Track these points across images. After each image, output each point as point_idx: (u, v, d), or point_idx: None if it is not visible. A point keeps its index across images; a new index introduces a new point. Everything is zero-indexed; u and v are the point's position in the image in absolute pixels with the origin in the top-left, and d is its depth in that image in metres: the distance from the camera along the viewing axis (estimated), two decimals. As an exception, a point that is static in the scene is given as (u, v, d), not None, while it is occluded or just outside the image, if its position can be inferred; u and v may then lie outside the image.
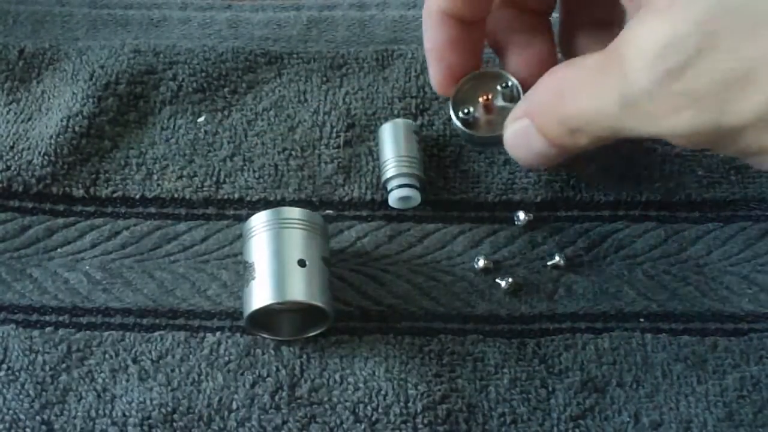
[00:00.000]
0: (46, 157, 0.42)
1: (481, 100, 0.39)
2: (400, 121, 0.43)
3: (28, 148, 0.43)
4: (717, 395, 0.37)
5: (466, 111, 0.39)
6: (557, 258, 0.40)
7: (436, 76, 0.40)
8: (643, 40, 0.29)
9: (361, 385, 0.37)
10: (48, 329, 0.38)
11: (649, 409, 0.37)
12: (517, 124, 0.36)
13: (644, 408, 0.37)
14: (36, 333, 0.38)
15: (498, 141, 0.38)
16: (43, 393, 0.36)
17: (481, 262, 0.40)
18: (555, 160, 0.36)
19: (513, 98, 0.39)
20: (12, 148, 0.43)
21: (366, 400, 0.36)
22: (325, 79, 0.46)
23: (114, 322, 0.39)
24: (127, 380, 0.37)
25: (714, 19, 0.28)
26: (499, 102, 0.40)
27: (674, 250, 0.41)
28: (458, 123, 0.40)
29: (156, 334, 0.38)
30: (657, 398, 0.37)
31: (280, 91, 0.45)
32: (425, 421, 0.36)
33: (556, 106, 0.34)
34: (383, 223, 0.42)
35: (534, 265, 0.40)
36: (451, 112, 0.40)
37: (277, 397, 0.36)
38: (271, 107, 0.45)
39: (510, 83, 0.39)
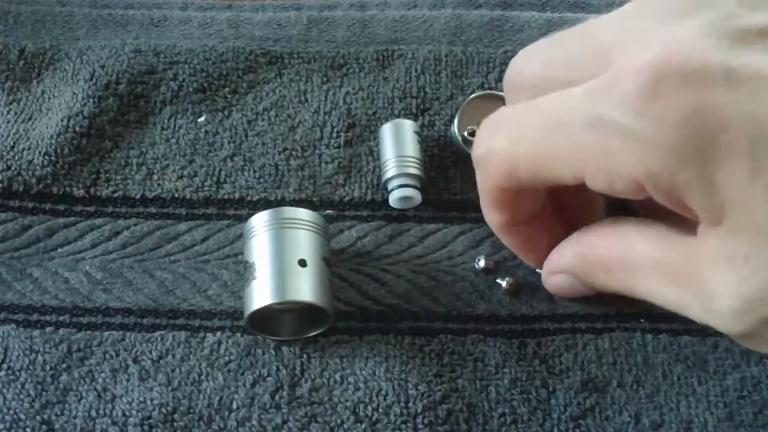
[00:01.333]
0: (46, 157, 0.42)
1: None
2: (400, 121, 0.43)
3: (29, 148, 0.43)
4: (717, 396, 0.37)
5: (470, 132, 0.42)
6: None
7: (530, 261, 0.39)
8: (727, 290, 0.28)
9: (361, 385, 0.37)
10: (48, 329, 0.38)
11: (649, 410, 0.37)
12: (559, 278, 0.37)
13: (645, 408, 0.37)
14: (36, 333, 0.38)
15: None
16: (44, 393, 0.36)
17: (482, 262, 0.40)
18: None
19: None
20: (12, 147, 0.43)
21: (366, 400, 0.36)
22: (325, 79, 0.46)
23: (114, 321, 0.39)
24: (128, 380, 0.37)
25: None
26: None
27: (675, 251, 0.41)
28: (460, 141, 0.42)
29: (156, 334, 0.38)
30: (657, 398, 0.37)
31: (280, 91, 0.45)
32: (425, 422, 0.36)
33: (613, 278, 0.33)
34: (384, 223, 0.42)
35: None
36: (455, 129, 0.42)
37: (277, 397, 0.36)
38: (271, 107, 0.45)
39: None
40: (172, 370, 0.37)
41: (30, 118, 0.44)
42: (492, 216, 0.37)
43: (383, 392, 0.37)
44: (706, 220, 0.29)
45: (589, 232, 0.35)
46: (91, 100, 0.44)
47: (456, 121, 0.42)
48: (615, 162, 0.29)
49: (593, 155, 0.30)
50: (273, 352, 0.38)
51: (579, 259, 0.36)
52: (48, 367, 0.37)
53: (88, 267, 0.40)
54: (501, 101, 0.42)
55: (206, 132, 0.44)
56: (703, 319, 0.30)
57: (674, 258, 0.31)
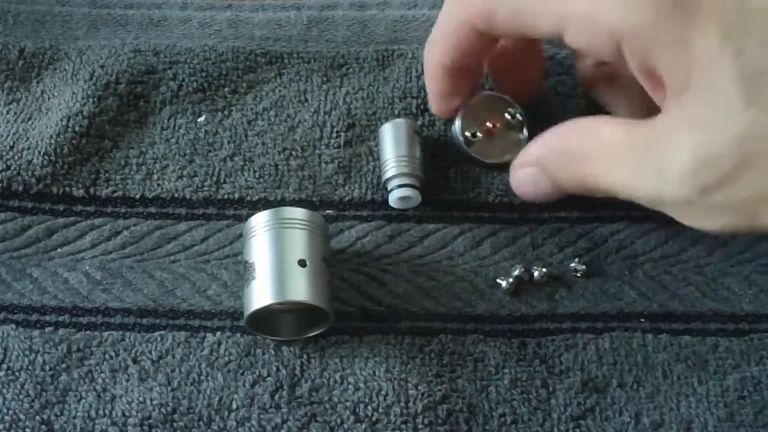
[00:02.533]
0: (46, 157, 0.42)
1: (489, 124, 0.42)
2: (400, 120, 0.43)
3: (28, 148, 0.43)
4: (718, 396, 0.37)
5: (472, 133, 0.42)
6: (576, 262, 0.40)
7: (442, 112, 0.43)
8: (681, 151, 0.30)
9: (361, 385, 0.37)
10: (48, 329, 0.38)
11: (649, 410, 0.37)
12: (527, 171, 0.38)
13: (645, 408, 0.37)
14: (36, 333, 0.38)
15: (493, 167, 0.42)
16: (43, 393, 0.36)
17: (516, 272, 0.40)
18: (559, 198, 0.39)
19: (515, 128, 0.42)
20: (12, 147, 0.43)
21: (366, 400, 0.36)
22: (325, 78, 0.46)
23: (114, 322, 0.39)
24: (127, 380, 0.37)
25: (750, 141, 0.29)
26: (503, 129, 0.42)
27: (675, 251, 0.41)
28: (462, 142, 0.42)
29: (156, 334, 0.38)
30: (658, 398, 0.37)
31: (280, 90, 0.45)
32: (426, 422, 0.36)
33: (576, 167, 0.35)
34: (383, 223, 0.42)
35: (535, 266, 0.40)
36: (457, 130, 0.42)
37: (277, 397, 0.36)
38: (271, 107, 0.45)
39: (518, 116, 0.42)
40: (172, 371, 0.37)
41: (29, 118, 0.44)
42: (439, 54, 0.38)
43: (383, 392, 0.37)
44: (672, 87, 0.30)
45: (562, 126, 0.37)
46: (90, 99, 0.44)
47: (458, 122, 0.42)
48: (598, 16, 0.31)
49: (578, 8, 0.32)
50: (273, 352, 0.38)
51: (548, 150, 0.37)
52: (47, 368, 0.37)
53: (87, 267, 0.40)
54: (502, 102, 0.42)
55: (206, 132, 0.44)
56: (653, 195, 0.31)
57: (635, 137, 0.32)
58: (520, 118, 0.42)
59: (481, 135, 0.42)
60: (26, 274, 0.40)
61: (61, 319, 0.39)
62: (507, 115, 0.42)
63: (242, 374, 0.37)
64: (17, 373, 0.37)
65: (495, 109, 0.42)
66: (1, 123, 0.44)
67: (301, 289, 0.36)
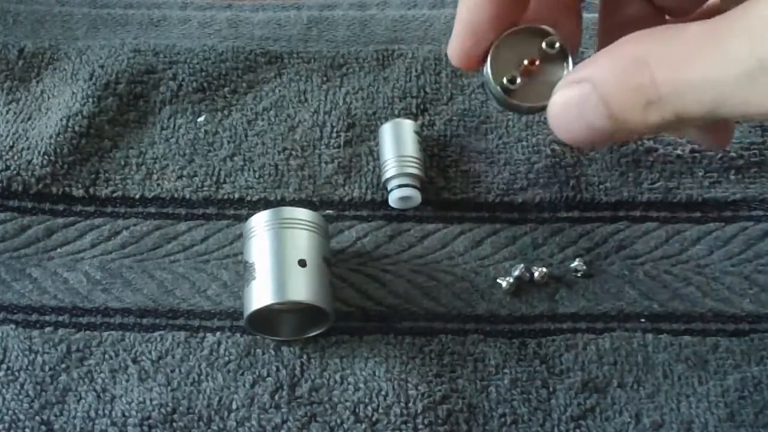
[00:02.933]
0: (45, 157, 0.42)
1: (526, 62, 0.33)
2: (400, 120, 0.43)
3: (28, 148, 0.43)
4: (718, 396, 0.37)
5: (509, 78, 0.33)
6: (577, 262, 0.40)
7: (462, 52, 0.35)
8: None
9: (361, 385, 0.37)
10: (48, 329, 0.38)
11: (650, 410, 0.36)
12: (573, 90, 0.31)
13: (645, 408, 0.37)
14: (35, 333, 0.38)
15: (540, 111, 0.33)
16: (43, 393, 0.36)
17: (517, 271, 0.40)
18: (604, 139, 0.32)
19: (557, 59, 0.34)
20: (12, 147, 0.43)
21: (366, 400, 0.36)
22: (325, 78, 0.46)
23: (114, 322, 0.39)
24: (127, 380, 0.37)
25: None
26: (543, 64, 0.33)
27: (675, 251, 0.41)
28: (500, 92, 0.33)
29: (156, 334, 0.38)
30: (658, 399, 0.37)
31: (280, 90, 0.45)
32: (426, 422, 0.36)
33: (634, 73, 0.29)
34: (383, 223, 0.42)
35: (535, 266, 0.40)
36: (490, 78, 0.34)
37: (276, 397, 0.36)
38: (271, 107, 0.45)
39: (557, 44, 0.33)
40: (172, 371, 0.37)
41: (29, 118, 0.44)
42: None
43: (383, 392, 0.36)
44: None
45: (615, 43, 0.30)
46: (90, 99, 0.44)
47: (489, 68, 0.34)
48: None
49: None
50: (273, 352, 0.38)
51: (600, 64, 0.31)
52: (47, 368, 0.37)
53: (87, 267, 0.40)
54: (535, 33, 0.34)
55: (206, 132, 0.44)
56: (747, 68, 0.27)
57: (716, 23, 0.28)
58: (560, 45, 0.33)
59: (519, 78, 0.33)
60: (26, 274, 0.40)
61: (60, 319, 0.38)
62: (544, 46, 0.33)
63: (242, 374, 0.37)
64: (17, 373, 0.37)
65: (528, 43, 0.34)
66: (1, 123, 0.44)
67: (301, 289, 0.36)
